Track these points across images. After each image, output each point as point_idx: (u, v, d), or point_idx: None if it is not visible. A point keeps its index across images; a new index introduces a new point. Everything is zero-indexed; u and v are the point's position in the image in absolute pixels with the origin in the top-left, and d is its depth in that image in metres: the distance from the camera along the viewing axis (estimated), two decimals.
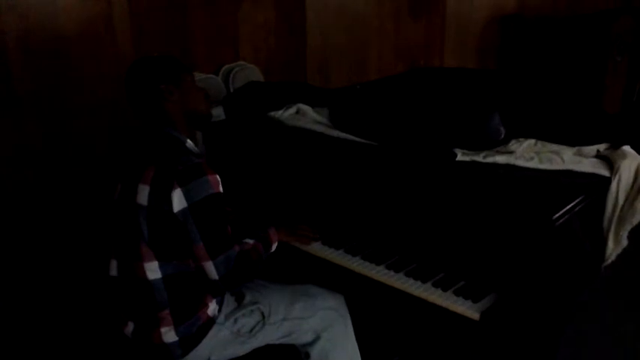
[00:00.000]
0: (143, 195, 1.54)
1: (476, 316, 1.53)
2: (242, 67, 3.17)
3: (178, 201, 1.49)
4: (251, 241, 1.69)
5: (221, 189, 1.56)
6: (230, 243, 1.57)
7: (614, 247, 1.68)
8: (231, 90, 3.03)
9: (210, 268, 1.54)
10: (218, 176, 1.56)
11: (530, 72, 4.78)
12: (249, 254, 1.64)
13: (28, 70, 2.41)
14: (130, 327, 1.64)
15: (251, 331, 1.70)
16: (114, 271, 1.68)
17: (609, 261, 1.68)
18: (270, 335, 1.74)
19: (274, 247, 1.77)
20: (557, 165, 1.72)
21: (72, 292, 2.60)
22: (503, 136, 1.86)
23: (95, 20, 2.56)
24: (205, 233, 1.52)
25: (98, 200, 2.52)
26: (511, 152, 1.79)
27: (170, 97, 1.60)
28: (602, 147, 1.79)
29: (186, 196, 1.49)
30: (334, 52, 3.76)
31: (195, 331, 1.61)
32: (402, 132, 1.95)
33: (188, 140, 1.64)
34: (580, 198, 1.57)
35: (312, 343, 1.81)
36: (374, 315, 2.09)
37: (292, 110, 2.27)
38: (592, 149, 1.78)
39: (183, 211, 1.50)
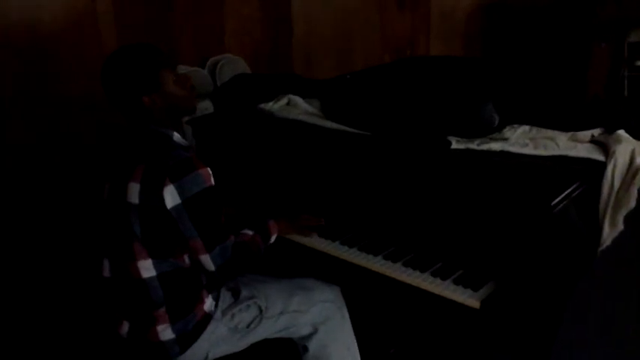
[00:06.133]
0: (134, 193, 1.51)
1: (476, 304, 1.52)
2: (228, 59, 3.14)
3: (171, 197, 1.47)
4: (250, 232, 1.68)
5: (213, 181, 1.54)
6: (225, 234, 1.56)
7: (610, 232, 1.67)
8: (218, 82, 3.00)
9: (207, 260, 1.53)
10: (209, 169, 1.53)
11: (516, 59, 4.80)
12: (248, 245, 1.63)
13: (11, 69, 2.36)
14: (126, 327, 1.62)
15: (248, 326, 1.68)
16: (107, 272, 1.65)
17: (605, 245, 1.68)
18: (268, 329, 1.73)
19: (273, 238, 1.75)
20: (552, 151, 1.70)
21: (65, 295, 2.56)
22: (497, 123, 1.85)
23: (78, 16, 2.51)
24: (201, 227, 1.50)
25: (88, 201, 2.48)
26: (505, 139, 1.78)
27: (153, 105, 1.55)
28: (596, 132, 1.78)
29: (180, 192, 1.47)
30: (320, 43, 3.74)
31: (192, 327, 1.59)
32: (395, 121, 1.93)
33: (175, 133, 1.61)
34: (577, 184, 1.56)
35: (310, 336, 1.80)
36: (372, 306, 2.08)
37: (283, 102, 2.24)
38: (586, 134, 1.77)
39: (176, 208, 1.47)
